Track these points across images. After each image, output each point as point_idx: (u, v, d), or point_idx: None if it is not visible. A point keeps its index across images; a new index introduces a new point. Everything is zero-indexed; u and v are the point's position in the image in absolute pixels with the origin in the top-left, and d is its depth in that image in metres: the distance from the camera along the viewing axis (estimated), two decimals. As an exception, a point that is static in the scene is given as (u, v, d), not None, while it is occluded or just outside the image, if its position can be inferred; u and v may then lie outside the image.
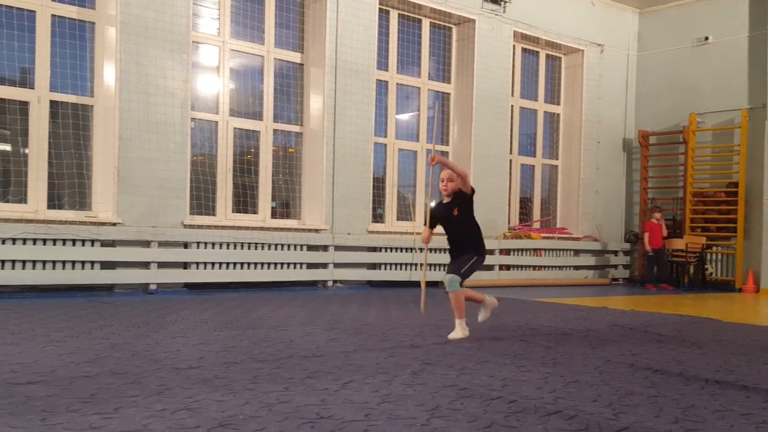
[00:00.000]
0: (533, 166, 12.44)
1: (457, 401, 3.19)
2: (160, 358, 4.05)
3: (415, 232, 10.22)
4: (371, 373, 3.78)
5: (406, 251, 9.97)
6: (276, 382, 3.52)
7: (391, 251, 9.89)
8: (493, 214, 11.01)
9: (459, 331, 5.14)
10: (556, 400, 3.29)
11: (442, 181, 5.20)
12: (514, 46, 11.55)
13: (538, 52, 12.36)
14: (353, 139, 9.58)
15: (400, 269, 9.97)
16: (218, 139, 8.82)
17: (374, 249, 9.81)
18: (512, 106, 11.66)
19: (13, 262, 7.00)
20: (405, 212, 10.60)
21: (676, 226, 12.36)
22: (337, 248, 9.46)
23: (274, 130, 9.32)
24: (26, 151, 7.45)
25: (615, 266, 12.81)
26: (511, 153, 11.74)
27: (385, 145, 10.40)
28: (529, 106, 12.34)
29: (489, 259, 10.80)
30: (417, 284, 9.93)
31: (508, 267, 11.26)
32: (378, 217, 10.30)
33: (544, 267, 11.74)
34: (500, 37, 11.13)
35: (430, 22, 10.80)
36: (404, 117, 10.88)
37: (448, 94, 11.12)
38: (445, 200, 5.33)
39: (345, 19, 9.38)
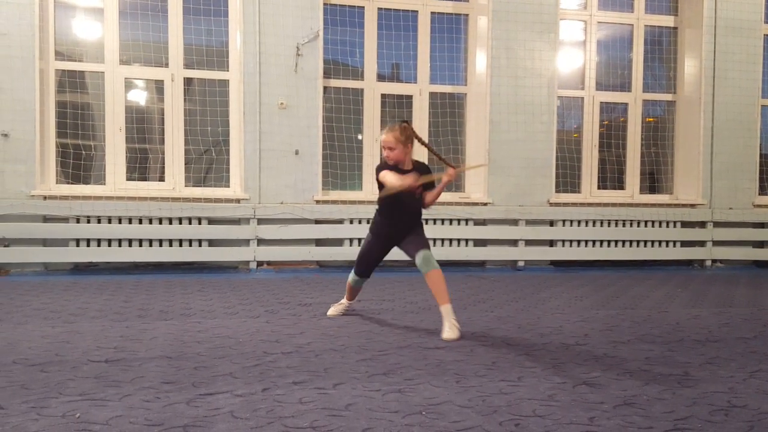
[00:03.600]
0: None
1: None
2: (546, 333, 4.14)
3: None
4: (784, 365, 3.35)
5: (806, 228, 8.60)
6: (671, 365, 3.34)
7: (785, 227, 8.64)
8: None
9: (451, 327, 3.93)
10: None
11: (389, 148, 4.06)
12: None
13: None
14: (736, 103, 8.59)
15: (797, 248, 8.65)
16: (584, 115, 8.67)
17: (762, 225, 8.67)
18: None
19: (402, 239, 7.83)
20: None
21: None
22: (717, 224, 8.62)
23: (644, 101, 8.82)
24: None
25: None
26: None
27: (775, 106, 9.07)
28: None
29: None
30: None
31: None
32: (764, 189, 9.04)
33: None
34: None
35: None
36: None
37: None
38: (404, 167, 4.13)
39: (726, -28, 8.43)
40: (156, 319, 4.45)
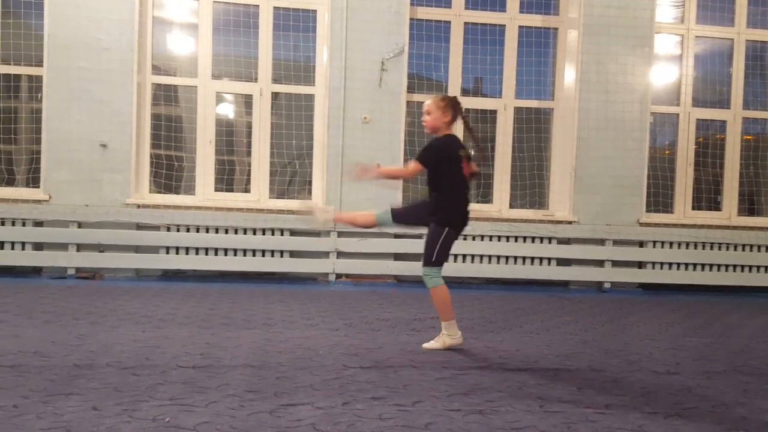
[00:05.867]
0: None
1: None
2: (634, 360, 3.95)
3: None
4: None
5: None
6: (774, 400, 3.11)
7: None
8: None
9: (443, 338, 4.10)
10: None
11: (426, 113, 4.15)
12: None
13: None
14: None
15: None
16: (678, 132, 8.32)
17: None
18: None
19: (481, 257, 7.73)
20: None
21: None
22: (824, 250, 8.06)
23: (743, 118, 8.39)
24: (492, 155, 8.16)
25: None
26: None
27: None
28: None
29: None
30: None
31: None
32: None
33: None
34: None
35: None
36: None
37: None
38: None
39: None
40: (240, 327, 4.53)
